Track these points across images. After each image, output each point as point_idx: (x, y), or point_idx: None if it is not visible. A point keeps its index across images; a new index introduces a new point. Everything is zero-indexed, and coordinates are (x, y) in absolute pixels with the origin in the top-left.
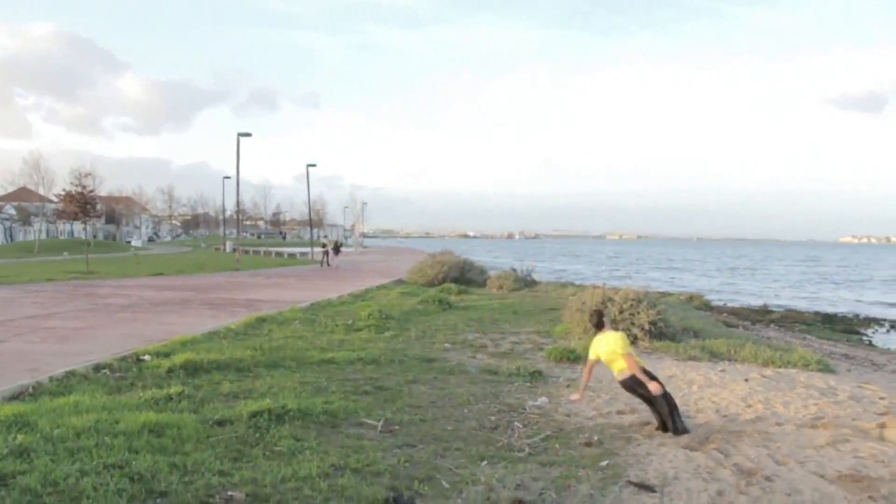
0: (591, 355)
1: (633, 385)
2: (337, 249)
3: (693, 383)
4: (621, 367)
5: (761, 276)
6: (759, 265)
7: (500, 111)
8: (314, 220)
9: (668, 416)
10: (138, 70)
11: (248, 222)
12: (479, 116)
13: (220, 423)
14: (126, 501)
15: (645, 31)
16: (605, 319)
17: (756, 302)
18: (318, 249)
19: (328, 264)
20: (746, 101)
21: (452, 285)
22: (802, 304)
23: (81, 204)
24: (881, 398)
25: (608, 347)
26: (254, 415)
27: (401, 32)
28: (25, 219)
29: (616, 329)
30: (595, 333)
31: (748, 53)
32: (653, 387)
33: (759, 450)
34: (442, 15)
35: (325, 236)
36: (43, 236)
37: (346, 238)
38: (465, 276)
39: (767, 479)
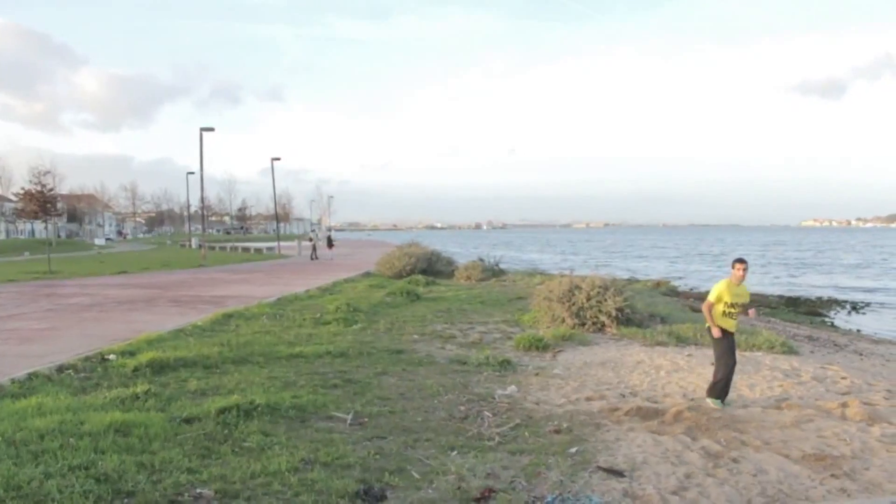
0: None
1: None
2: (330, 243)
3: (661, 368)
4: None
5: (726, 260)
6: (724, 250)
7: (465, 102)
8: (281, 215)
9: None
10: (97, 64)
11: (213, 218)
12: (445, 108)
13: (188, 421)
14: (92, 503)
15: (607, 20)
16: None
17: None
18: (306, 243)
19: (317, 257)
20: (709, 88)
21: (420, 277)
22: (767, 289)
23: (41, 203)
24: (843, 378)
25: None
26: (222, 411)
27: (365, 24)
28: None
29: (584, 317)
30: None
31: (710, 40)
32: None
33: (725, 432)
34: (406, 6)
35: (313, 230)
36: (2, 236)
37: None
38: (433, 268)
39: (734, 460)
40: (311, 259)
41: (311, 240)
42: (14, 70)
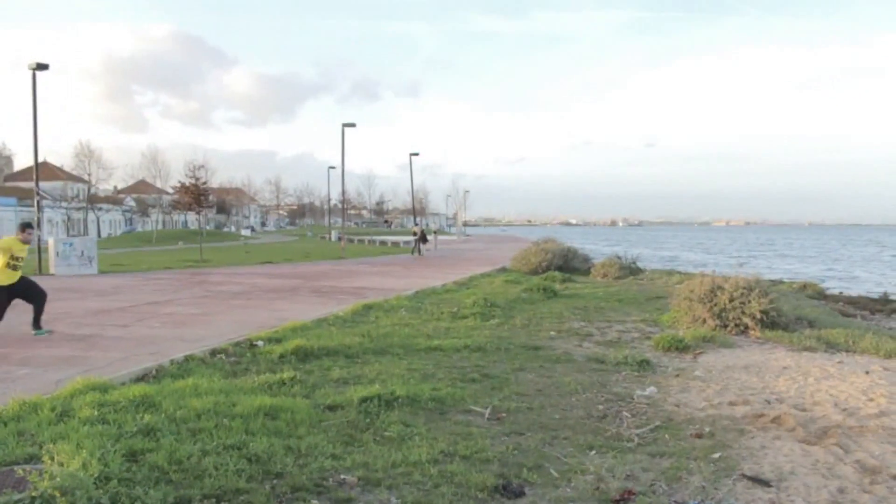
0: None
1: None
2: (424, 238)
3: (809, 375)
4: None
5: (879, 262)
6: (878, 251)
7: (601, 96)
8: (417, 209)
9: None
10: (246, 64)
11: (352, 211)
12: (580, 101)
13: (332, 409)
14: (245, 481)
15: (752, 10)
16: None
17: (875, 290)
18: (410, 238)
19: (419, 252)
20: (860, 78)
21: (556, 273)
22: None
23: (195, 195)
24: None
25: None
26: (364, 400)
27: (501, 19)
28: (144, 210)
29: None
30: None
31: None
32: None
33: (883, 446)
34: (541, 2)
35: (416, 224)
36: (159, 226)
37: (448, 226)
38: (568, 264)
39: (894, 477)
40: (418, 254)
41: (414, 234)
42: (174, 72)
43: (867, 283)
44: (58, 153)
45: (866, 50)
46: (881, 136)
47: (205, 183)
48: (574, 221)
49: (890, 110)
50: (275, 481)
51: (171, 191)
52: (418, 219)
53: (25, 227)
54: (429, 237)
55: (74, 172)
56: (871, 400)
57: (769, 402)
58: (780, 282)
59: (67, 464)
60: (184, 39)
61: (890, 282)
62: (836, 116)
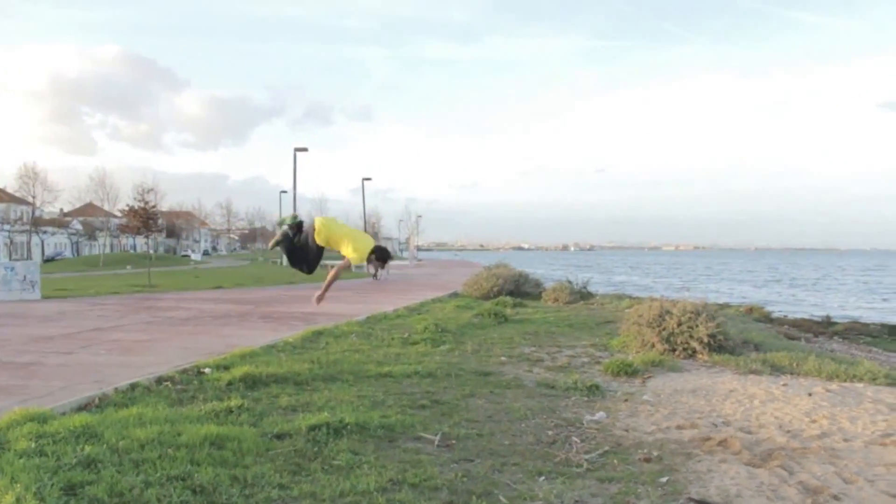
0: None
1: None
2: (383, 263)
3: (755, 398)
4: None
5: (823, 286)
6: (821, 275)
7: (554, 121)
8: (369, 234)
9: None
10: (197, 87)
11: None
12: (533, 127)
13: (280, 437)
14: None
15: (699, 41)
16: None
17: (818, 313)
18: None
19: (376, 277)
20: (803, 107)
21: (508, 298)
22: (868, 316)
23: (144, 219)
24: None
25: None
26: (312, 428)
27: (454, 45)
28: (91, 233)
29: (674, 343)
30: None
31: (804, 59)
32: None
33: (825, 467)
34: (494, 27)
35: None
36: (107, 250)
37: (400, 251)
38: (520, 289)
39: (835, 497)
40: (374, 278)
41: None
42: (123, 93)
43: (810, 307)
44: (1, 174)
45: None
46: (824, 165)
47: (154, 206)
48: (526, 246)
49: (833, 139)
50: None
51: (119, 214)
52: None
53: None
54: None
55: (18, 194)
56: (814, 421)
57: (716, 426)
58: (727, 305)
59: (1, 499)
60: (134, 61)
61: (831, 304)
62: (782, 145)
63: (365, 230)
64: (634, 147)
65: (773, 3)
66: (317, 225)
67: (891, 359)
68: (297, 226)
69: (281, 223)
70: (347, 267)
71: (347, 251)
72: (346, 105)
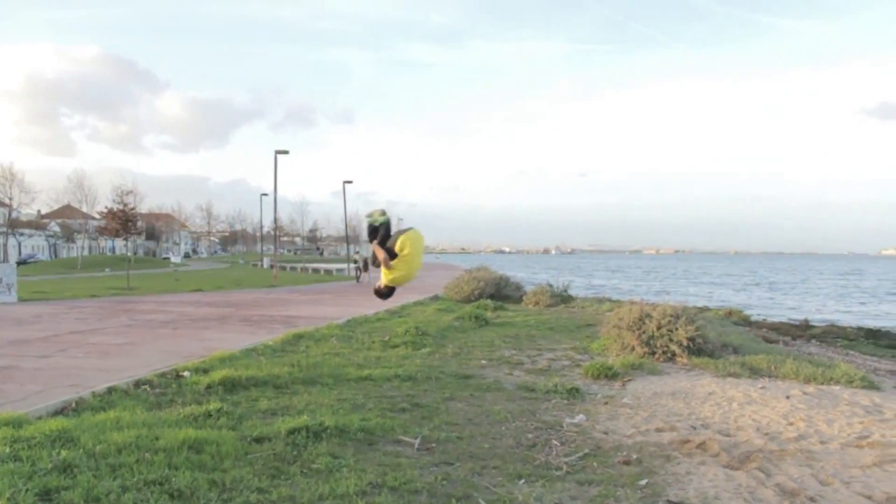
0: None
1: None
2: (366, 265)
3: (733, 400)
4: None
5: (801, 290)
6: (799, 279)
7: (535, 126)
8: (351, 237)
9: None
10: (178, 88)
11: (285, 238)
12: (514, 131)
13: (259, 440)
14: None
15: (679, 44)
16: None
17: (796, 317)
18: (352, 266)
19: (358, 280)
20: (783, 112)
21: (489, 301)
22: (845, 319)
23: (123, 221)
24: None
25: None
26: (291, 432)
27: (435, 48)
28: (69, 235)
29: (654, 346)
30: None
31: (784, 64)
32: None
33: (802, 469)
34: (477, 31)
35: (357, 252)
36: (85, 252)
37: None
38: (501, 292)
39: (811, 499)
40: (357, 281)
41: (355, 261)
42: (103, 95)
43: (788, 310)
44: None
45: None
46: (802, 171)
47: (133, 208)
48: (508, 249)
49: (811, 145)
50: None
51: (97, 216)
52: (359, 248)
53: None
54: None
55: None
56: (791, 424)
57: (695, 428)
58: (707, 309)
59: None
60: (113, 62)
61: (808, 308)
62: (761, 150)
63: (346, 233)
64: (616, 151)
65: (751, 9)
66: (411, 235)
67: (867, 362)
68: (385, 226)
69: (371, 219)
70: (384, 265)
71: (399, 266)
72: (327, 107)
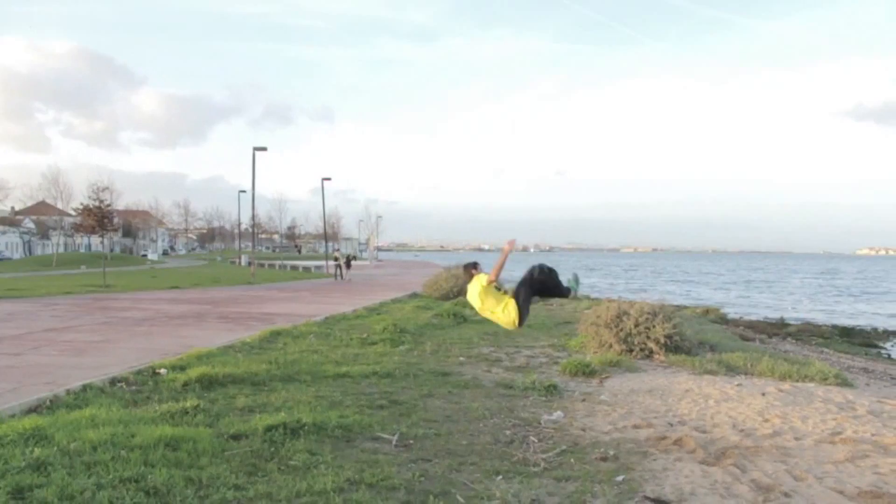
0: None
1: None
2: (349, 263)
3: (710, 397)
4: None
5: (777, 288)
6: (775, 278)
7: (514, 124)
8: (329, 234)
9: None
10: (155, 85)
11: (263, 236)
12: (493, 129)
13: (236, 437)
14: None
15: (658, 44)
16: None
17: (772, 315)
18: (332, 263)
19: (341, 277)
20: (761, 113)
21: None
22: (820, 318)
23: (99, 218)
24: None
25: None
26: (269, 429)
27: (413, 45)
28: (44, 233)
29: (632, 343)
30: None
31: (762, 65)
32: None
33: (776, 465)
34: (455, 29)
35: (338, 249)
36: (61, 250)
37: (360, 252)
38: None
39: (785, 494)
40: (336, 280)
41: (336, 259)
42: (78, 90)
43: (765, 308)
44: None
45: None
46: (779, 171)
47: (109, 205)
48: (487, 247)
49: (788, 146)
50: None
51: (73, 213)
52: (339, 245)
53: None
54: (356, 261)
55: None
56: (767, 421)
57: (672, 425)
58: (684, 307)
59: None
60: (89, 57)
61: (784, 306)
62: (738, 151)
63: (325, 230)
64: (594, 150)
65: (731, 11)
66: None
67: (841, 359)
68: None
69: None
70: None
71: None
72: (306, 105)
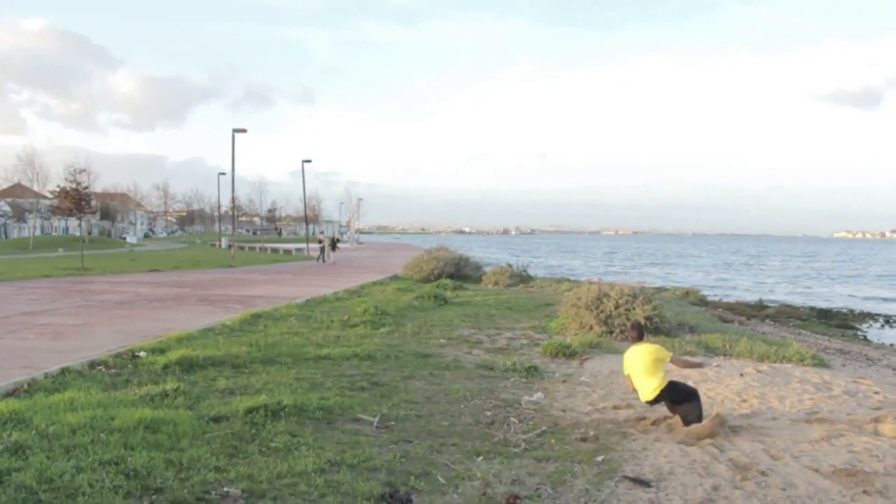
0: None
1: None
2: (334, 245)
3: (688, 378)
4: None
5: (756, 271)
6: (755, 260)
7: (495, 107)
8: (310, 216)
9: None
10: (133, 66)
11: (243, 218)
12: (474, 112)
13: (216, 420)
14: (122, 498)
15: (639, 27)
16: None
17: (751, 297)
18: (315, 245)
19: (324, 260)
20: (742, 96)
21: (448, 281)
22: (798, 300)
23: (76, 200)
24: (875, 393)
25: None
26: (249, 411)
27: (394, 28)
28: (20, 215)
29: (612, 325)
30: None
31: (742, 49)
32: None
33: (754, 444)
34: (436, 11)
35: (322, 232)
36: (38, 233)
37: (342, 234)
38: (460, 272)
39: (763, 473)
40: (318, 262)
41: (320, 241)
42: (53, 71)
43: (744, 291)
44: None
45: (739, 71)
46: (758, 155)
47: (86, 187)
48: (468, 230)
49: (766, 129)
50: (154, 496)
51: (49, 195)
52: (321, 227)
53: None
54: (338, 245)
55: None
56: (745, 401)
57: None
58: (664, 289)
59: None
60: (64, 36)
61: (763, 288)
62: (718, 134)
63: (305, 213)
64: (575, 134)
65: None
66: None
67: (818, 341)
68: None
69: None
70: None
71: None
72: (286, 87)
